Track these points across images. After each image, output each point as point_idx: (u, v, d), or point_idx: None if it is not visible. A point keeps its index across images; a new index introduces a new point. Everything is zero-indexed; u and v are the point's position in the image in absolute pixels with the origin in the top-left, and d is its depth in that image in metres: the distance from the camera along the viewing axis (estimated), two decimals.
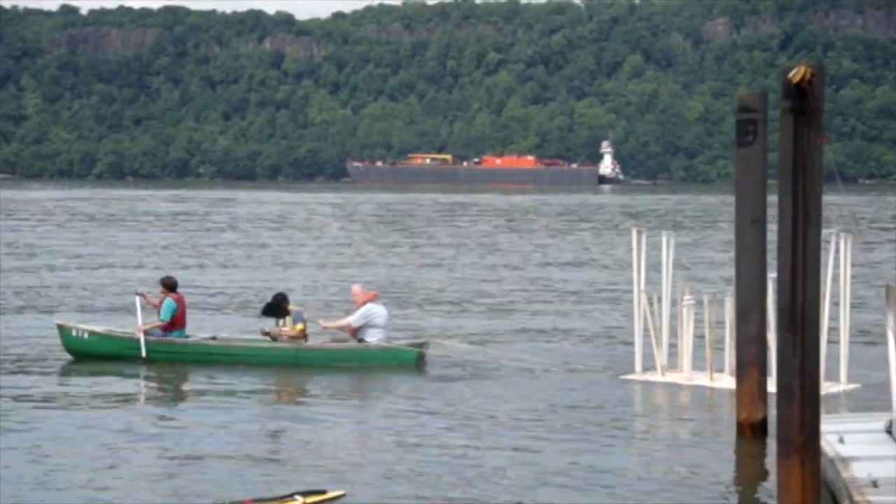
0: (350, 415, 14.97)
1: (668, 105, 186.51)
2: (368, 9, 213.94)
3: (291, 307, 18.21)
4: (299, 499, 10.79)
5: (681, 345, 16.91)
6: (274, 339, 18.02)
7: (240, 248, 42.06)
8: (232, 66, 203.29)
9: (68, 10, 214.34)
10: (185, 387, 17.04)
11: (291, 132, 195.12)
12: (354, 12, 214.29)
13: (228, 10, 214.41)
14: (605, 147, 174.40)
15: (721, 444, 13.49)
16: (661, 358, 16.85)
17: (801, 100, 9.17)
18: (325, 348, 18.03)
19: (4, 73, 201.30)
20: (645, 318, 16.82)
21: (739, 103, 13.69)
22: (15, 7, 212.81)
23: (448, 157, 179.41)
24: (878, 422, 11.37)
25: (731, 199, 14.03)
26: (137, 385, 16.91)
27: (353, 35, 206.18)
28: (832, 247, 15.76)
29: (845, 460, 10.21)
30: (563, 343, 20.60)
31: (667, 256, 16.78)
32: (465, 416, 14.62)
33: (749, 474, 12.34)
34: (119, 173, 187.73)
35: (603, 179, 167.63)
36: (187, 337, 18.33)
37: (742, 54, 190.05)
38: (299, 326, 17.97)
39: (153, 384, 17.05)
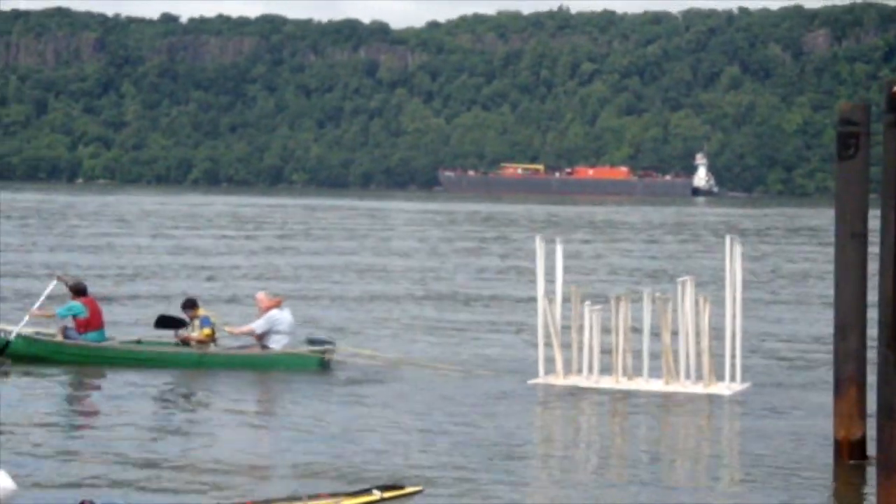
0: (259, 419, 15.15)
1: (766, 117, 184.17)
2: (463, 18, 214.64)
3: (200, 312, 18.44)
4: (377, 493, 10.85)
5: (575, 349, 17.17)
6: (185, 343, 18.27)
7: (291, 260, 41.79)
8: (327, 74, 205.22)
9: (168, 19, 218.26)
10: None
11: (384, 141, 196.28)
12: (449, 21, 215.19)
13: (325, 19, 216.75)
14: (700, 159, 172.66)
15: (819, 463, 13.22)
16: (560, 361, 17.11)
17: None
18: (228, 353, 18.26)
19: (106, 81, 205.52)
20: (546, 324, 17.12)
21: (841, 116, 13.44)
22: (118, 15, 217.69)
23: (540, 167, 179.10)
24: None
25: (831, 212, 13.83)
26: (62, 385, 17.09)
27: (447, 44, 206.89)
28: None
29: None
30: (490, 347, 20.52)
31: (560, 261, 17.33)
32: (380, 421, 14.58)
33: (848, 496, 12.06)
34: (214, 180, 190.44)
35: (697, 191, 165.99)
36: (106, 339, 18.60)
37: (843, 66, 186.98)
38: (206, 331, 18.23)
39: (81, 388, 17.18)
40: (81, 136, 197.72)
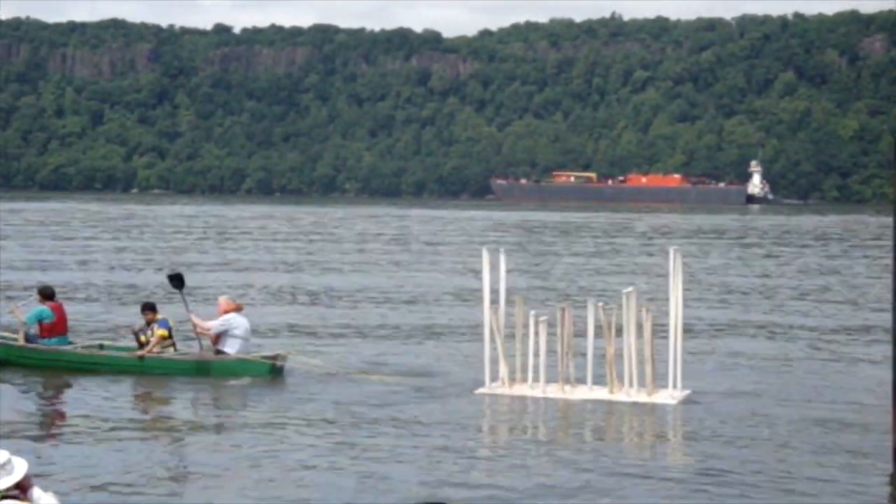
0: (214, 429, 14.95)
1: (822, 123, 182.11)
2: (515, 26, 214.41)
3: (157, 316, 18.76)
4: None
5: (518, 358, 17.21)
6: (141, 344, 18.61)
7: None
8: (379, 83, 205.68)
9: (222, 29, 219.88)
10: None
11: (437, 149, 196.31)
12: (501, 30, 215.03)
13: (377, 29, 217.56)
14: (754, 166, 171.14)
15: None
16: (504, 370, 17.19)
17: None
18: (180, 359, 18.40)
19: (161, 91, 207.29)
20: (492, 334, 17.26)
21: None
22: (172, 26, 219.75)
23: (592, 175, 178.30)
24: None
25: (888, 220, 13.35)
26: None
27: (499, 52, 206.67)
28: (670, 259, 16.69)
29: None
30: (430, 356, 20.51)
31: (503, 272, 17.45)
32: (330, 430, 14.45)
33: None
34: (267, 189, 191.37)
35: (751, 199, 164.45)
36: (70, 344, 19.00)
37: None
38: (161, 331, 18.48)
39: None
40: (136, 147, 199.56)
